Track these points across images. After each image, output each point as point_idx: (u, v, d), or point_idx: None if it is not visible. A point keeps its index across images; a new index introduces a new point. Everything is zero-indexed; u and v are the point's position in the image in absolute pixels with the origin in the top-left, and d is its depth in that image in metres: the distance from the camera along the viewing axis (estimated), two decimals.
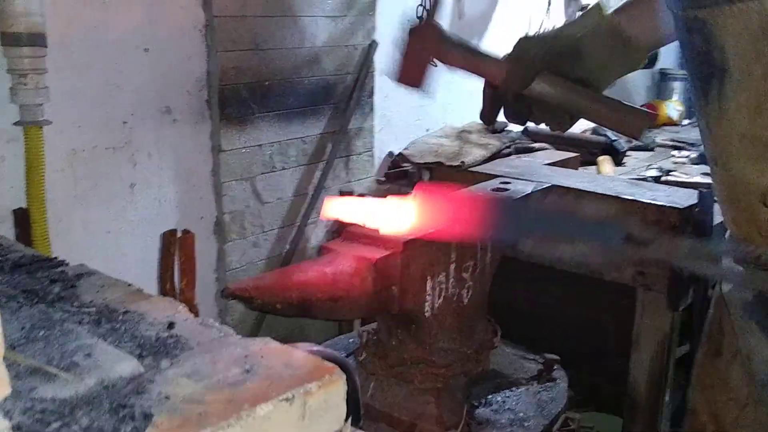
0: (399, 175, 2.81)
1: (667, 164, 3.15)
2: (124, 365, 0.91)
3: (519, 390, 1.96)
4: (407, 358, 1.81)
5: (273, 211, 2.60)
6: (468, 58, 1.64)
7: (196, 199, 2.38)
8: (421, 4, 2.58)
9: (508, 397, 1.93)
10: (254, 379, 0.97)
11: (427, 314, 1.76)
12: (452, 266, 1.81)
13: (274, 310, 1.42)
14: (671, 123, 4.36)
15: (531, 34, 1.56)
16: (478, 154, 2.72)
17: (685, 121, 4.48)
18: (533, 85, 1.50)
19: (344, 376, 1.04)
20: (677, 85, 4.66)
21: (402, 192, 2.80)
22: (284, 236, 2.65)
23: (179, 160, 2.31)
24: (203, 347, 1.08)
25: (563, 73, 1.50)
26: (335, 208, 1.60)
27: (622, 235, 1.21)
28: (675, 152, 3.53)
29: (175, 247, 1.70)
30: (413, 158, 2.76)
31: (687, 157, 3.33)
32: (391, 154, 3.01)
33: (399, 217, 1.63)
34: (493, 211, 1.43)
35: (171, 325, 1.13)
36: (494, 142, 2.87)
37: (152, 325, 1.12)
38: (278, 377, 0.97)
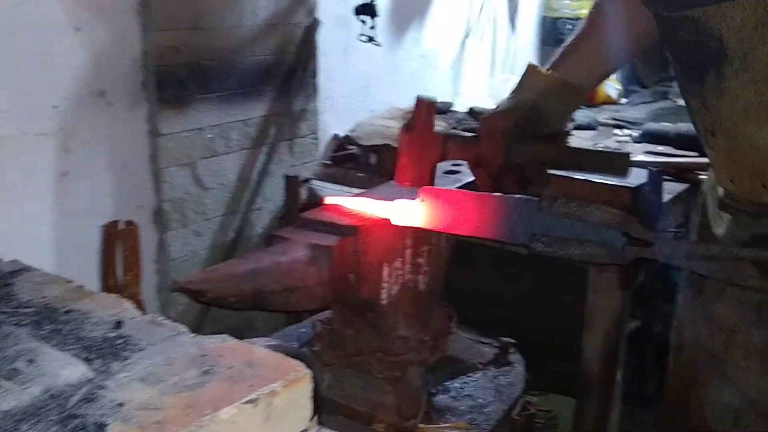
0: (345, 158, 2.74)
1: (610, 143, 3.17)
2: (71, 371, 0.85)
3: (476, 375, 1.93)
4: (364, 347, 1.75)
5: (216, 198, 2.50)
6: (458, 149, 1.71)
7: (133, 187, 2.26)
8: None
9: (466, 383, 1.89)
10: (214, 380, 0.91)
11: (384, 302, 1.70)
12: (408, 252, 1.76)
13: (227, 304, 1.35)
14: (610, 102, 4.41)
15: (490, 111, 1.65)
16: None
17: (623, 100, 4.54)
18: (512, 158, 1.60)
19: (310, 373, 0.98)
20: None
21: (348, 175, 2.75)
22: (228, 224, 2.56)
23: (115, 146, 2.19)
24: (155, 347, 1.01)
25: (531, 135, 1.61)
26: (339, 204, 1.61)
27: (624, 239, 1.30)
28: (617, 131, 3.56)
29: (117, 240, 1.60)
30: (360, 141, 2.70)
31: (629, 135, 3.36)
32: (336, 136, 2.95)
33: (408, 216, 1.59)
34: (504, 211, 1.47)
35: (118, 324, 1.04)
36: (441, 124, 2.83)
37: (98, 325, 1.06)
38: (240, 377, 0.92)
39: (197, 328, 2.43)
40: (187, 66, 2.31)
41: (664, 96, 4.74)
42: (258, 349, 1.04)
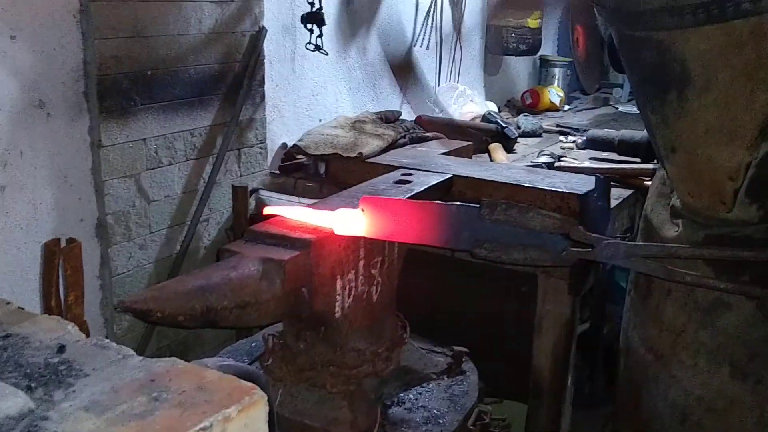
0: (294, 168, 2.71)
1: (556, 150, 3.21)
2: (11, 402, 0.81)
3: (431, 385, 1.92)
4: (317, 361, 1.73)
5: (161, 210, 2.44)
6: None
7: (74, 201, 2.19)
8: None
9: (420, 394, 1.88)
10: (164, 407, 0.87)
11: (337, 314, 1.68)
12: (361, 263, 1.74)
13: (176, 323, 1.30)
14: (554, 108, 4.47)
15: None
16: (374, 144, 2.65)
17: (566, 107, 4.61)
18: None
19: (265, 397, 0.95)
20: (557, 72, 4.79)
21: (298, 185, 2.71)
22: (174, 236, 2.50)
23: (55, 159, 2.12)
24: (101, 373, 0.98)
25: None
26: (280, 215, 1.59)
27: (566, 242, 1.29)
28: (562, 137, 3.61)
29: (59, 258, 1.52)
30: (308, 150, 2.66)
31: (574, 142, 3.40)
32: (284, 145, 2.91)
33: (350, 224, 1.57)
34: (447, 218, 1.49)
35: (61, 349, 1.01)
36: (390, 132, 2.82)
37: (39, 350, 1.01)
38: (192, 404, 0.88)
39: (144, 345, 2.37)
40: (130, 75, 2.24)
41: (605, 102, 4.84)
42: (210, 372, 1.00)
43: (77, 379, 0.94)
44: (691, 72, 1.34)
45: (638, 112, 4.39)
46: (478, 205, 1.44)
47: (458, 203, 1.50)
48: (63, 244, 1.61)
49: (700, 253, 1.37)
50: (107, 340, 1.09)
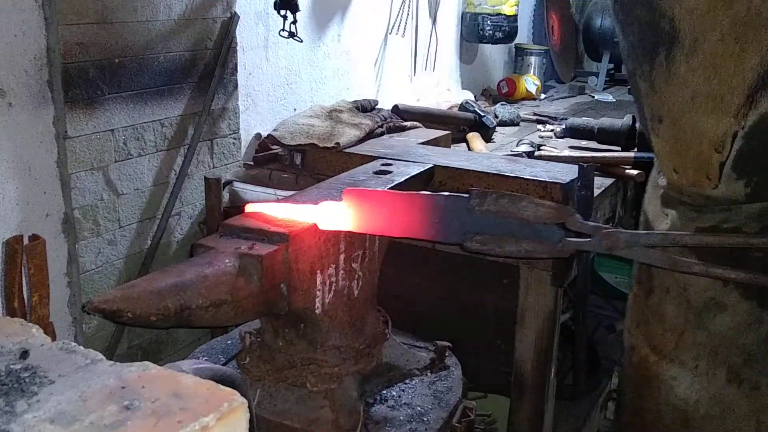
0: (268, 159, 2.63)
1: (534, 138, 3.16)
2: None
3: (413, 382, 1.87)
4: (297, 359, 1.67)
5: (130, 204, 2.35)
6: None
7: (39, 195, 2.09)
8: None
9: (403, 390, 1.83)
10: (137, 417, 0.81)
11: (317, 311, 1.62)
12: (342, 257, 1.68)
13: (149, 323, 1.23)
14: (530, 97, 4.44)
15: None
16: (352, 134, 2.59)
17: (542, 95, 4.58)
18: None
19: (245, 403, 0.89)
20: (533, 60, 4.75)
21: (273, 176, 2.64)
22: (144, 231, 2.41)
23: (18, 151, 2.02)
24: (68, 380, 0.89)
25: None
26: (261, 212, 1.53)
27: (562, 232, 1.24)
28: (540, 126, 3.57)
29: (21, 257, 1.44)
30: (283, 140, 2.59)
31: (552, 131, 3.36)
32: (258, 135, 2.83)
33: (335, 218, 1.51)
34: (435, 210, 1.43)
35: (24, 354, 0.94)
36: (367, 122, 2.75)
37: (0, 356, 0.93)
38: (167, 412, 0.82)
39: (114, 345, 2.28)
40: (96, 63, 2.15)
41: (581, 91, 4.82)
42: (185, 377, 0.94)
43: (42, 388, 0.87)
44: (679, 31, 1.28)
45: (614, 100, 4.45)
46: (467, 195, 1.38)
47: (446, 193, 1.44)
48: (26, 241, 1.53)
49: (707, 241, 1.31)
50: (74, 344, 1.03)
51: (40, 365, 0.94)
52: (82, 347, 1.02)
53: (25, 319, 1.41)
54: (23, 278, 1.49)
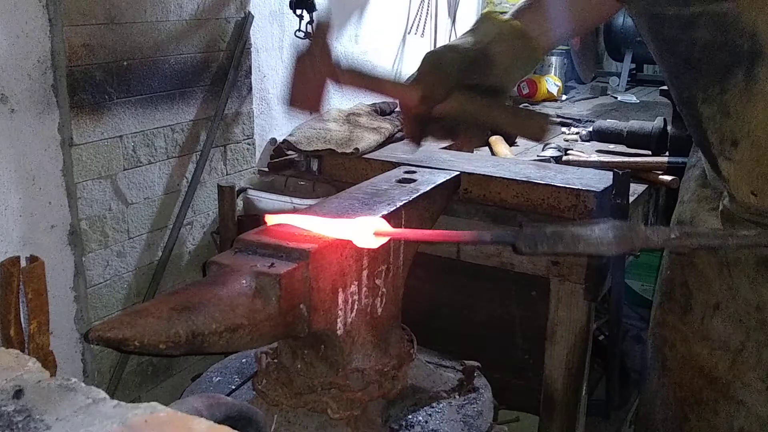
0: (284, 165, 2.52)
1: (559, 142, 3.04)
2: None
3: (441, 405, 1.75)
4: (317, 383, 1.55)
5: (140, 214, 2.24)
6: (370, 79, 1.57)
7: (44, 205, 1.99)
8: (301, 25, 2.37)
9: (430, 415, 1.71)
10: None
11: (339, 332, 1.50)
12: (364, 273, 1.56)
13: (157, 351, 1.12)
14: (551, 98, 4.32)
15: (435, 48, 1.58)
16: (371, 139, 2.47)
17: (563, 96, 4.46)
18: (451, 101, 1.46)
19: None
20: (554, 60, 4.62)
21: (289, 183, 2.53)
22: (155, 242, 2.30)
23: (21, 159, 1.92)
24: (66, 424, 0.80)
25: (475, 82, 1.48)
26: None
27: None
28: (564, 129, 3.45)
29: (18, 280, 1.33)
30: (299, 145, 2.48)
31: (577, 134, 3.24)
32: (273, 141, 2.72)
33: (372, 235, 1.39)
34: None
35: (18, 393, 0.85)
36: (386, 126, 2.64)
37: None
38: None
39: (124, 362, 2.18)
40: (104, 66, 2.05)
41: (603, 92, 4.69)
42: (197, 422, 0.83)
43: None
44: (764, 46, 1.16)
45: (638, 101, 4.32)
46: (512, 235, 1.25)
47: (491, 234, 1.31)
48: (23, 263, 1.41)
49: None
50: (75, 380, 0.93)
51: (35, 406, 0.85)
52: (83, 384, 0.92)
53: (23, 349, 1.31)
54: (20, 304, 1.39)
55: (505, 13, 1.57)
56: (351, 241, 1.41)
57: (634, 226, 1.13)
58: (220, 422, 1.07)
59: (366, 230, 1.37)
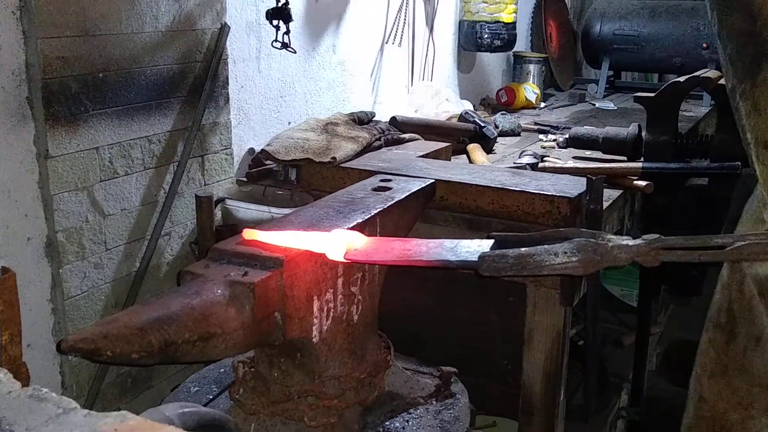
0: (262, 175, 2.52)
1: (536, 149, 3.07)
2: None
3: (418, 411, 1.76)
4: (293, 391, 1.56)
5: (117, 225, 2.24)
6: None
7: (20, 218, 1.98)
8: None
9: (407, 421, 1.72)
10: None
11: (315, 339, 1.51)
12: (340, 281, 1.57)
13: (130, 361, 1.13)
14: (530, 106, 4.35)
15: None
16: (348, 148, 2.48)
17: (542, 104, 4.49)
18: None
19: None
20: (532, 68, 4.67)
21: (267, 193, 2.54)
22: (133, 253, 2.30)
23: None
24: None
25: None
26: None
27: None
28: (541, 136, 3.48)
29: None
30: (277, 155, 2.49)
31: (554, 141, 3.27)
32: (251, 151, 2.73)
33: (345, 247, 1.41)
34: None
35: None
36: (364, 135, 2.65)
37: None
38: None
39: (104, 372, 2.17)
40: (79, 78, 2.04)
41: (582, 99, 4.72)
42: (168, 430, 0.83)
43: None
44: None
45: (615, 108, 4.35)
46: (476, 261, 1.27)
47: (457, 258, 1.32)
48: None
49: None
50: (45, 390, 0.93)
51: (5, 416, 0.86)
52: (54, 394, 0.92)
53: None
54: None
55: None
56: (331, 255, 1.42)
57: (600, 245, 1.11)
58: (191, 430, 1.08)
59: (339, 242, 1.39)
